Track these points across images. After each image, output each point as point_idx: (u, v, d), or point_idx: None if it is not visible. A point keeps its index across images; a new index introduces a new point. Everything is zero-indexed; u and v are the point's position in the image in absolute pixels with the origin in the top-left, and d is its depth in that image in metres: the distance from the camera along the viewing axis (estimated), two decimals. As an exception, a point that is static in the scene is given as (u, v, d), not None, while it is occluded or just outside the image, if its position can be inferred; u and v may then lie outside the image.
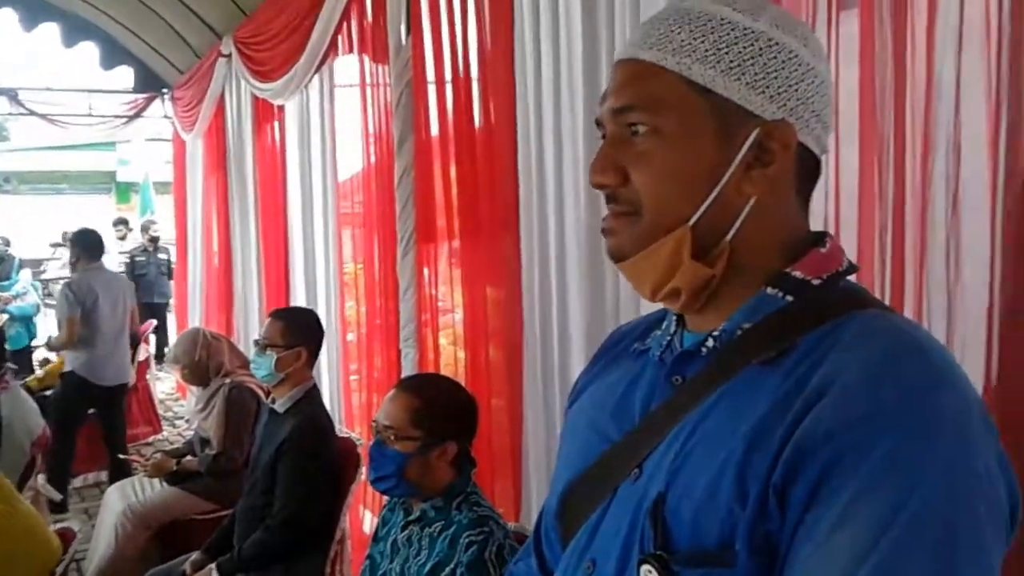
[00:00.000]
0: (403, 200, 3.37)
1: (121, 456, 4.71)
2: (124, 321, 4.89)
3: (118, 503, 3.49)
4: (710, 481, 0.74)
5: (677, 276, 0.82)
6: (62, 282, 5.17)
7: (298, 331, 2.82)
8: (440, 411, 1.87)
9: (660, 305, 0.95)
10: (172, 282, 9.05)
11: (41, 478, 3.44)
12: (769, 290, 0.82)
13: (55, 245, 10.95)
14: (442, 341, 3.34)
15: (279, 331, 2.79)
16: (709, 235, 0.81)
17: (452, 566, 1.69)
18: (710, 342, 0.83)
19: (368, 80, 3.79)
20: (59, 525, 2.31)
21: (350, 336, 4.19)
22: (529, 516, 2.56)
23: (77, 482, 5.17)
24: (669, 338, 0.90)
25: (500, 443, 2.79)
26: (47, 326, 9.94)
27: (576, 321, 2.46)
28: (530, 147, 2.61)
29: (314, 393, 2.85)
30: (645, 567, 0.76)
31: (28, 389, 4.43)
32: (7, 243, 10.68)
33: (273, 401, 2.83)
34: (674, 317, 0.91)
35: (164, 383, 7.99)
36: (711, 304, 0.84)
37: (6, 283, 9.48)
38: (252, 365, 2.89)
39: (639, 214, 0.82)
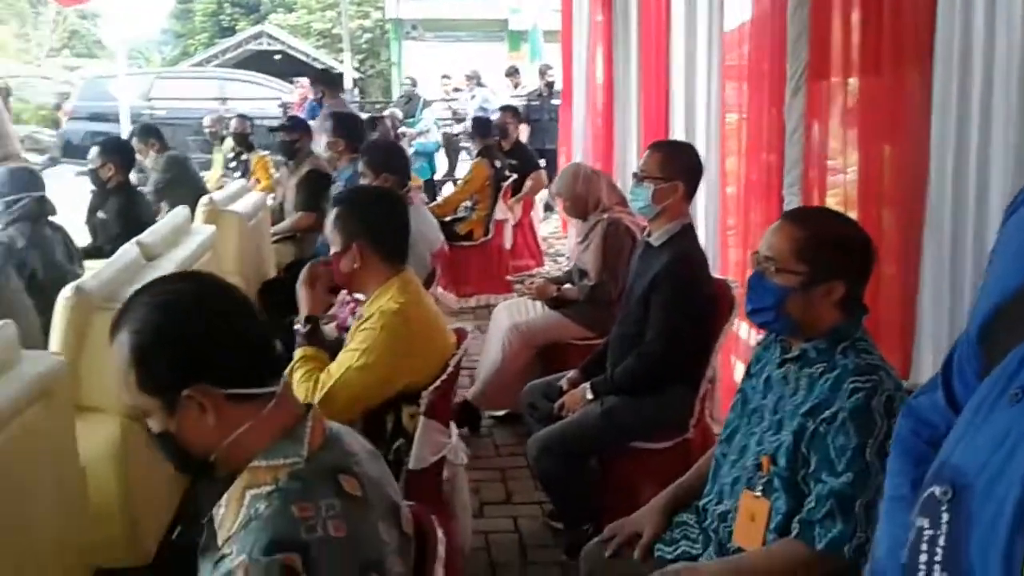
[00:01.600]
0: (796, 33, 3.12)
1: (509, 278, 5.22)
2: None
3: (505, 320, 3.85)
4: None
5: None
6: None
7: (676, 164, 2.76)
8: (828, 246, 1.72)
9: None
10: (563, 128, 9.43)
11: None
12: None
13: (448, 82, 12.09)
14: (829, 202, 3.11)
15: (658, 162, 2.75)
16: None
17: (833, 410, 1.61)
18: None
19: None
20: (455, 325, 2.57)
21: (729, 189, 4.07)
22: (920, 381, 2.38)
23: (472, 302, 5.85)
24: None
25: (888, 313, 2.60)
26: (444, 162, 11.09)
27: (1000, 173, 2.13)
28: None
29: (690, 229, 2.80)
30: None
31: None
32: (414, 83, 11.78)
33: (649, 235, 2.84)
34: None
35: (549, 224, 8.55)
36: None
37: (412, 120, 10.50)
38: (630, 196, 2.93)
39: None
